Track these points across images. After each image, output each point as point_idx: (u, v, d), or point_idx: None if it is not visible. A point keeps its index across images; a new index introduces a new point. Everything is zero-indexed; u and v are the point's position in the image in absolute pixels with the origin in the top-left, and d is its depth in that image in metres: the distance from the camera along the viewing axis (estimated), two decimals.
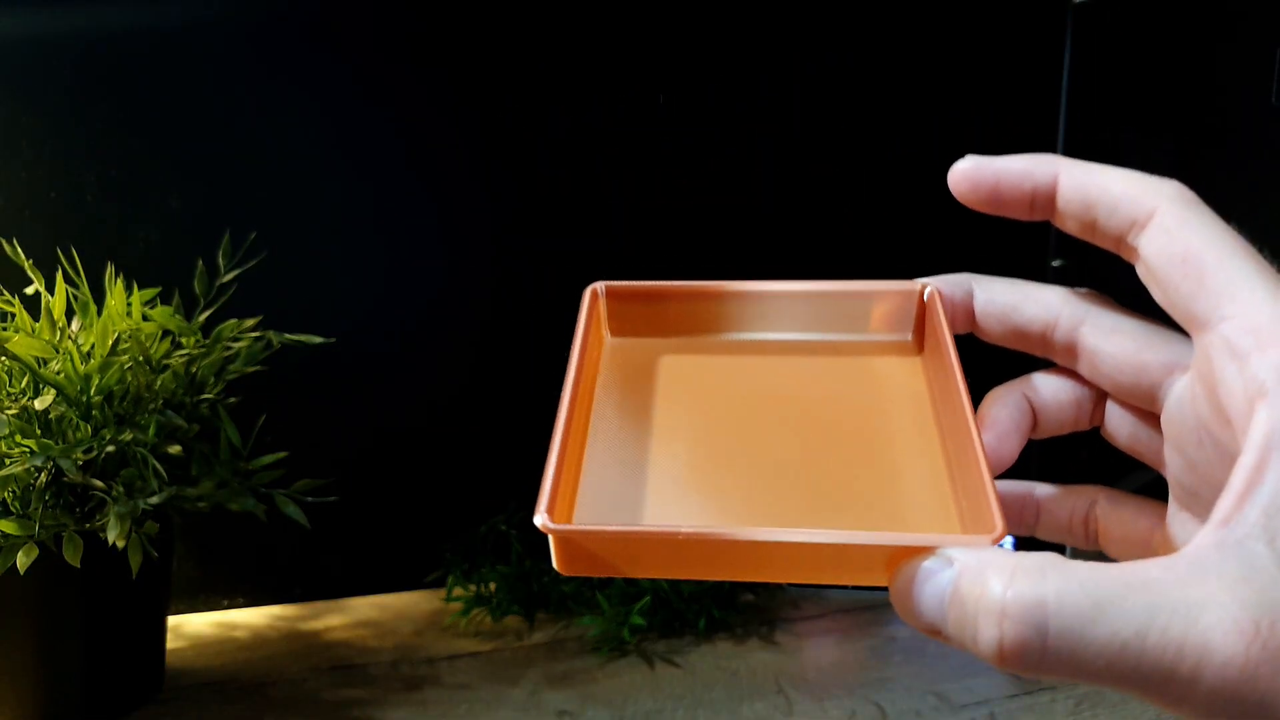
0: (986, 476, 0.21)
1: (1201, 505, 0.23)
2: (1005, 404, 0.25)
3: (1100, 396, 0.26)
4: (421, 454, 0.76)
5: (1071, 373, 0.26)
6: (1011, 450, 0.25)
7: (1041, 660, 0.16)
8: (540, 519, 0.21)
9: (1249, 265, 0.20)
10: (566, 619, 0.71)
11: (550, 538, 0.21)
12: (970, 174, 0.24)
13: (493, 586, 0.71)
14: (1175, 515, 0.24)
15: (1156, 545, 0.25)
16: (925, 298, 0.27)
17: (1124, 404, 0.25)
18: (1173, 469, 0.24)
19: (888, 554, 0.19)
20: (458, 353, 0.76)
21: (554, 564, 0.21)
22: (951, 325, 0.26)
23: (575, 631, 0.69)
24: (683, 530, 0.20)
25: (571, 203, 0.76)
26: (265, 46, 0.68)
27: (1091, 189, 0.23)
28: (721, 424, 0.25)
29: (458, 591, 0.71)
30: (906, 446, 0.24)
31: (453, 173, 0.74)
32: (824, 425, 0.25)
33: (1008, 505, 0.27)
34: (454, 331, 0.76)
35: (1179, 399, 0.23)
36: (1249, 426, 0.19)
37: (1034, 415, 0.26)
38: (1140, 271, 0.23)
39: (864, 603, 0.74)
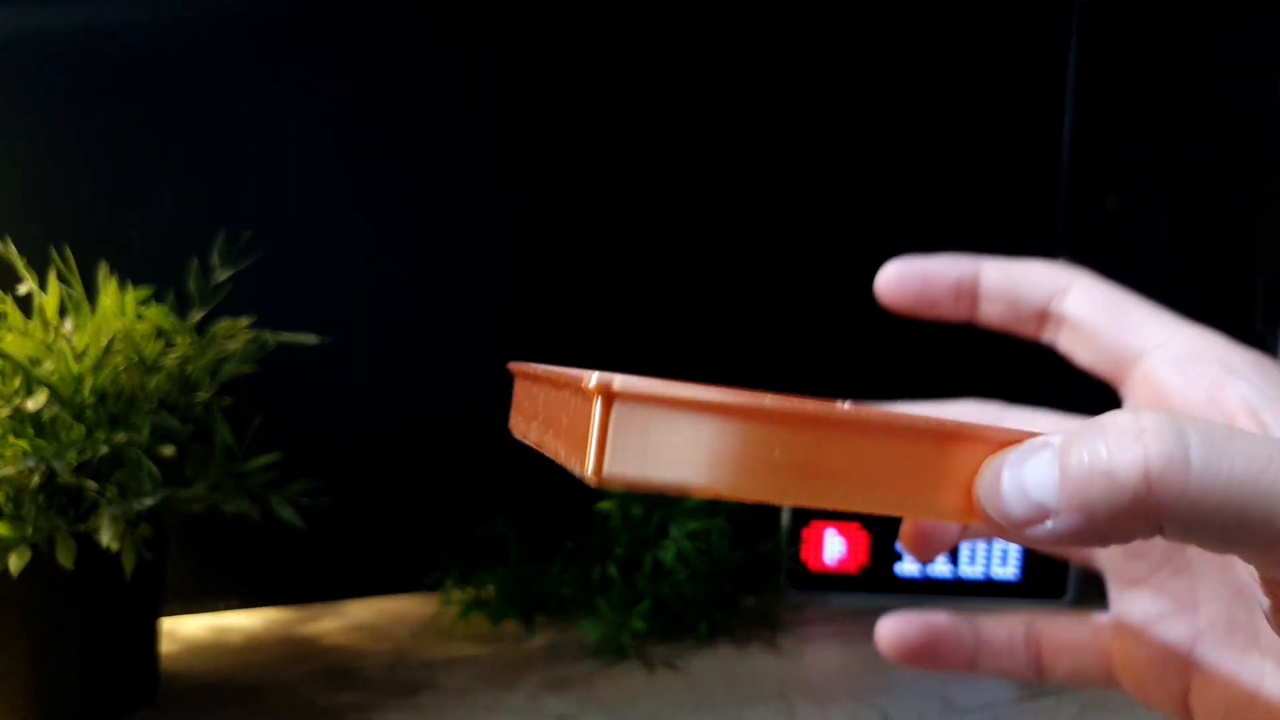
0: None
1: (1150, 565, 0.24)
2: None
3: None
4: (418, 455, 0.76)
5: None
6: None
7: (1187, 478, 0.15)
8: (598, 379, 0.15)
9: (1164, 311, 0.22)
10: (565, 623, 0.70)
11: (599, 406, 0.15)
12: (897, 277, 0.25)
13: (490, 589, 0.71)
14: (1122, 597, 0.24)
15: (1108, 645, 0.25)
16: None
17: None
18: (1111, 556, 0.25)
19: (993, 448, 0.17)
20: (454, 353, 0.76)
21: (589, 464, 0.15)
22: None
23: (574, 635, 0.68)
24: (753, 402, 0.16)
25: (570, 204, 0.76)
26: (260, 47, 0.68)
27: (1013, 271, 0.25)
28: None
29: (455, 594, 0.71)
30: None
31: (449, 174, 0.73)
32: None
33: (944, 638, 0.26)
34: (451, 332, 0.76)
35: None
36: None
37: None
38: (1064, 339, 0.24)
39: (868, 607, 0.74)
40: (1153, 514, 0.15)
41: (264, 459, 0.58)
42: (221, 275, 0.60)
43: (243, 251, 0.61)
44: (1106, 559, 0.25)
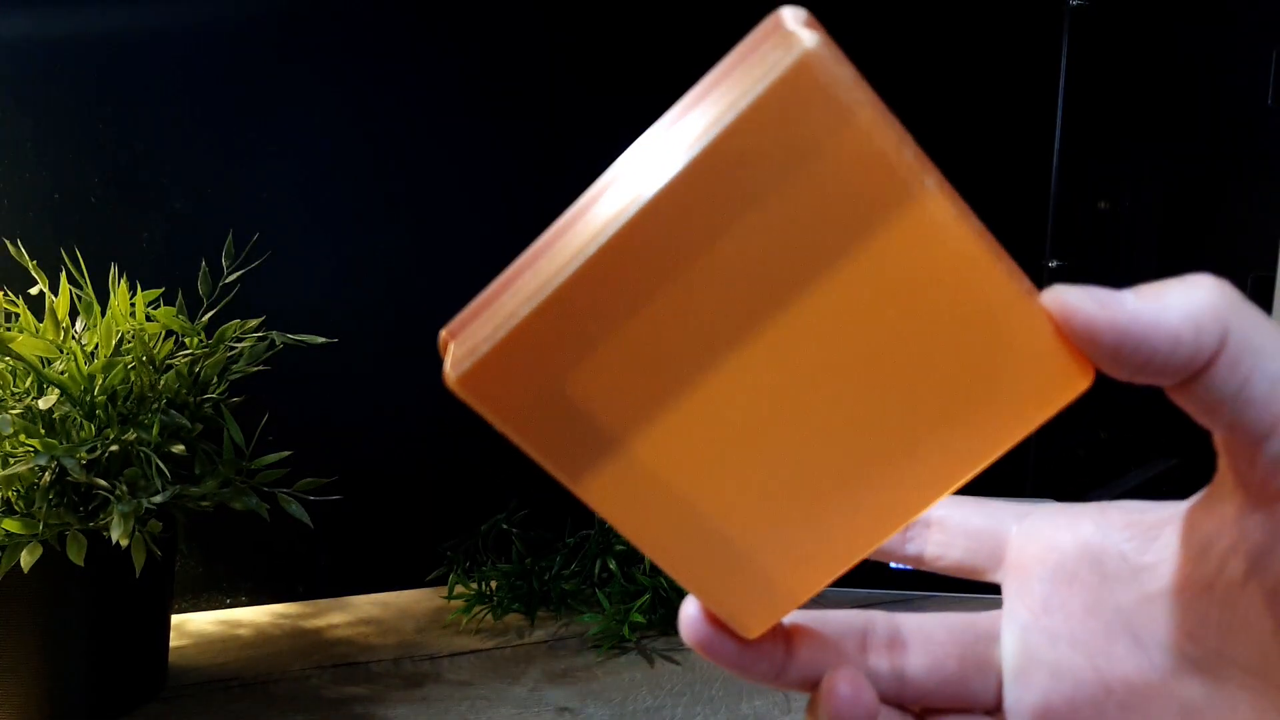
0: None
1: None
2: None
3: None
4: (423, 453, 0.76)
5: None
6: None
7: (1239, 316, 0.17)
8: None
9: None
10: (567, 616, 0.71)
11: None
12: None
13: (494, 585, 0.72)
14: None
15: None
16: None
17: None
18: None
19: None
20: None
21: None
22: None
23: (576, 629, 0.69)
24: None
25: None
26: (271, 48, 0.69)
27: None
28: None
29: (459, 589, 0.72)
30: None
31: (456, 171, 0.74)
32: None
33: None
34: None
35: (1010, 654, 0.23)
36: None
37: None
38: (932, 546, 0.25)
39: (864, 600, 0.74)
40: (1222, 317, 0.17)
41: (272, 457, 0.58)
42: (230, 277, 0.60)
43: (251, 253, 0.61)
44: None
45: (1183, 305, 0.17)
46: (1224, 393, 0.17)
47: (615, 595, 0.69)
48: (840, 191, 0.16)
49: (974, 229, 0.17)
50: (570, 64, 0.75)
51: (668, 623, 0.69)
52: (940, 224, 0.16)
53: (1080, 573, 0.21)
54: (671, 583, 0.69)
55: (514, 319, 0.17)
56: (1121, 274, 0.88)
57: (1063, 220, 0.87)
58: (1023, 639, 0.23)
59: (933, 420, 0.18)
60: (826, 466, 0.18)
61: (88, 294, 0.55)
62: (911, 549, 0.25)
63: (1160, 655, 0.20)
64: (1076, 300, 0.18)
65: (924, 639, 0.24)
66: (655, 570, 0.70)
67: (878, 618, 0.24)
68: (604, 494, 0.19)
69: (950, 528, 0.24)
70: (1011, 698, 0.23)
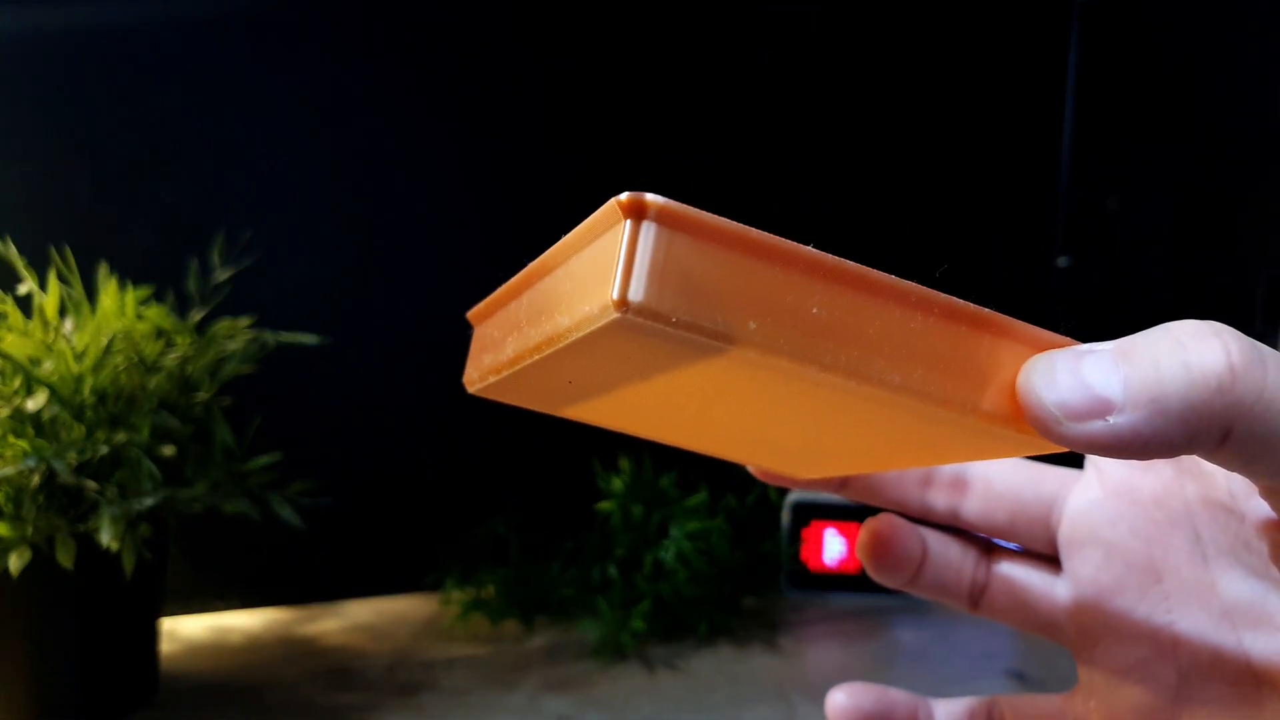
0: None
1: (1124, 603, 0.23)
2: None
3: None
4: (418, 455, 0.76)
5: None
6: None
7: (1264, 378, 0.14)
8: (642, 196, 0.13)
9: None
10: (565, 623, 0.70)
11: (629, 227, 0.13)
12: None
13: (490, 590, 0.71)
14: (1093, 654, 0.24)
15: (1081, 713, 0.24)
16: None
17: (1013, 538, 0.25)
18: (1081, 581, 0.24)
19: (1005, 334, 0.15)
20: (456, 353, 0.76)
21: (614, 288, 0.13)
22: None
23: (574, 636, 0.69)
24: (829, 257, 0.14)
25: (569, 203, 0.76)
26: (262, 44, 0.68)
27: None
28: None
29: (455, 595, 0.71)
30: None
31: (452, 170, 0.74)
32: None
33: (897, 714, 0.26)
34: (452, 331, 0.76)
35: (1085, 504, 0.24)
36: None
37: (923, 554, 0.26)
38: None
39: (868, 607, 0.74)
40: (1228, 412, 0.14)
41: (264, 459, 0.58)
42: (221, 275, 0.60)
43: (242, 251, 0.61)
44: (1072, 611, 0.24)
45: (1180, 409, 0.14)
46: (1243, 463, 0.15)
47: (615, 601, 0.68)
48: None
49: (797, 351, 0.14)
50: (568, 58, 0.75)
51: (668, 630, 0.68)
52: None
53: (1158, 464, 0.22)
54: (673, 589, 0.68)
55: (513, 359, 0.17)
56: (1131, 273, 0.87)
57: (1072, 218, 0.87)
58: (1087, 513, 0.23)
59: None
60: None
61: (77, 292, 0.55)
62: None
63: (1215, 555, 0.21)
64: (1041, 403, 0.15)
65: (984, 487, 0.25)
66: (656, 576, 0.69)
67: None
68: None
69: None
70: (1062, 563, 0.24)
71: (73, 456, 0.50)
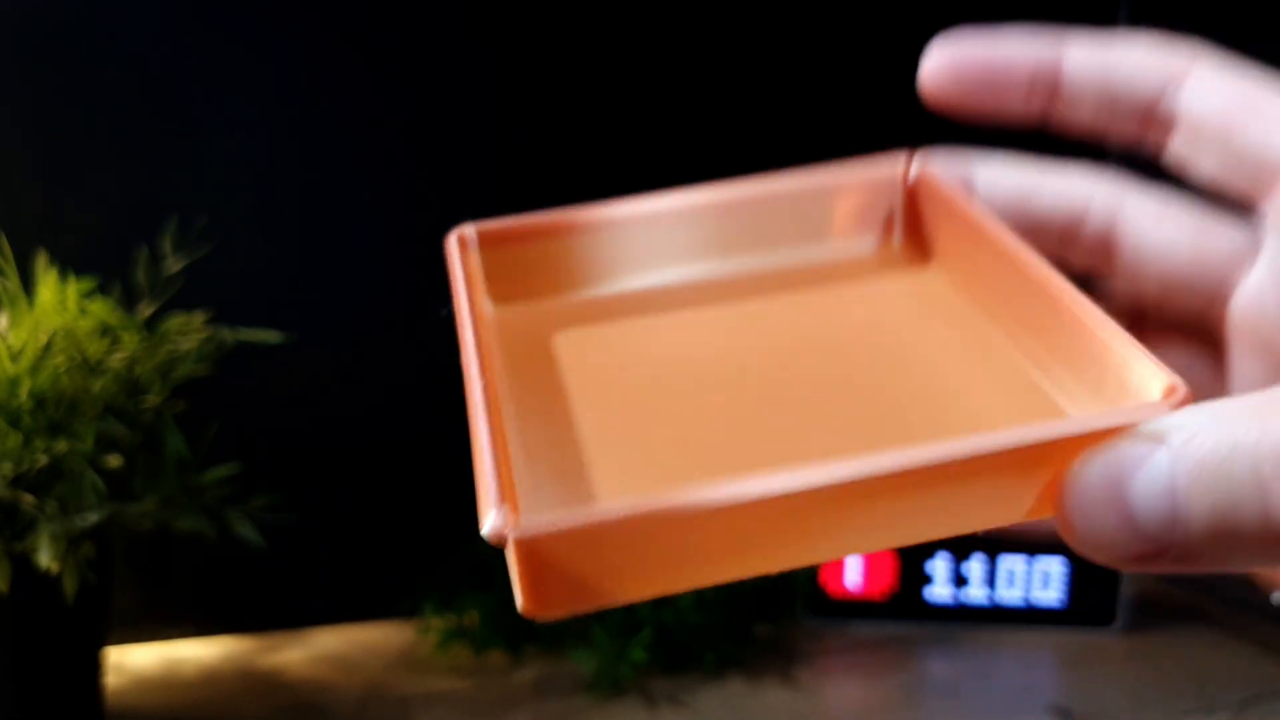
0: (1123, 335, 0.17)
1: None
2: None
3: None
4: (393, 468, 0.76)
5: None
6: None
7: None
8: (493, 522, 0.15)
9: None
10: (557, 653, 0.70)
11: (514, 552, 0.15)
12: (952, 65, 0.22)
13: (473, 616, 0.71)
14: None
15: (1229, 269, 0.22)
16: (911, 180, 0.22)
17: (1169, 316, 0.23)
18: (1245, 383, 0.22)
19: (1050, 454, 0.15)
20: (434, 353, 0.76)
21: (520, 600, 0.15)
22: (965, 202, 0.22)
23: (567, 668, 0.69)
24: (749, 492, 0.15)
25: (549, 188, 0.76)
26: (219, 16, 0.68)
27: (1108, 57, 0.21)
28: (688, 391, 0.21)
29: (434, 622, 0.71)
30: (950, 352, 0.20)
31: (423, 153, 0.74)
32: (819, 365, 0.21)
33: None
34: (429, 329, 0.76)
35: (1257, 289, 0.21)
36: None
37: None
38: (1178, 144, 0.21)
39: (893, 635, 0.74)
40: None
41: (221, 471, 0.58)
42: (173, 265, 0.60)
43: (197, 240, 0.61)
44: (1241, 387, 0.21)
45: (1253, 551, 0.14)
46: None
47: (612, 629, 0.68)
48: None
49: None
50: (539, 45, 0.75)
51: (672, 661, 0.68)
52: None
53: None
54: (675, 616, 0.68)
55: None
56: None
57: None
58: (1260, 305, 0.20)
59: None
60: None
61: (12, 284, 0.55)
62: (1152, 141, 0.21)
63: None
64: (1084, 546, 0.15)
65: (1134, 254, 0.22)
66: (658, 601, 0.69)
67: (1097, 204, 0.22)
68: None
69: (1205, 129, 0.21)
70: (1225, 358, 0.21)
71: (8, 468, 0.50)
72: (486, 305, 0.23)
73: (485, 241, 0.23)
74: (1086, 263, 0.22)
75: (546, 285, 0.23)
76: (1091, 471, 0.15)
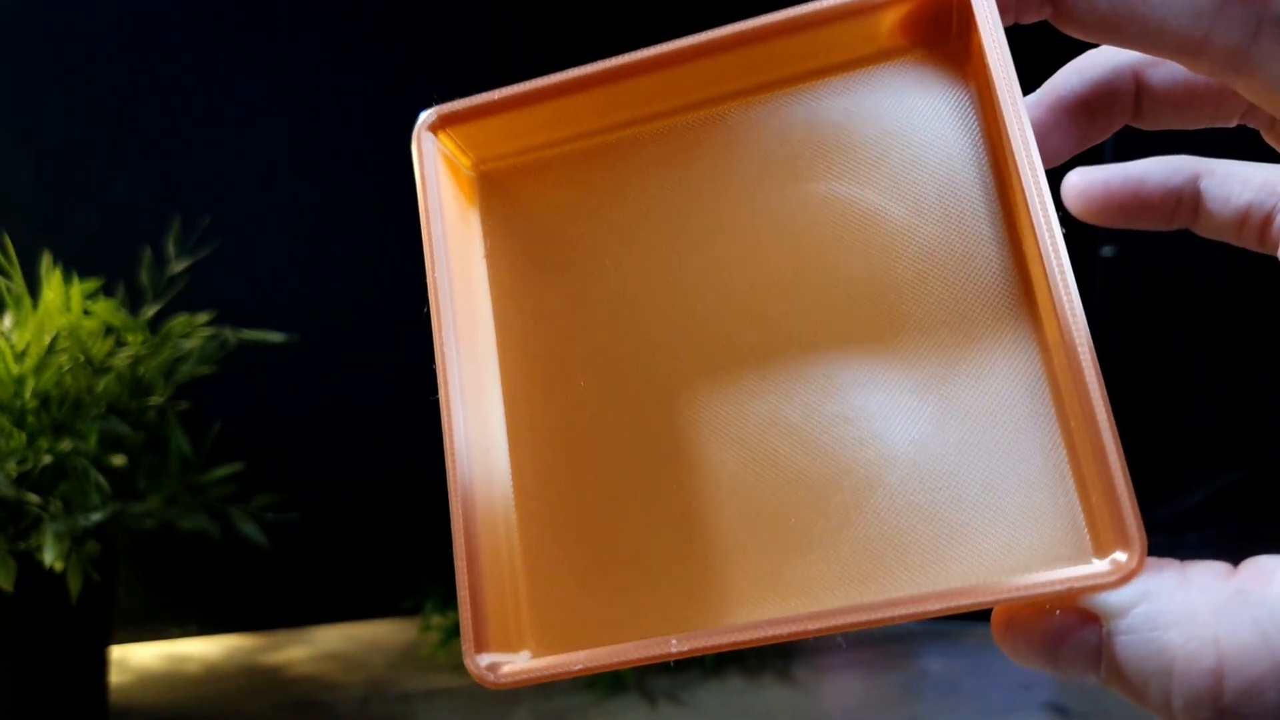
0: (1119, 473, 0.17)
1: None
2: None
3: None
4: (396, 466, 0.76)
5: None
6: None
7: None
8: (473, 670, 0.19)
9: None
10: None
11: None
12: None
13: None
14: None
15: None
16: None
17: None
18: None
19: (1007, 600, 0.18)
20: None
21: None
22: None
23: None
24: (698, 640, 0.19)
25: None
26: (224, 18, 0.69)
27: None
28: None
29: (436, 620, 0.71)
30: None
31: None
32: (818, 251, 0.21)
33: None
34: (429, 329, 0.76)
35: None
36: None
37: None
38: None
39: (892, 633, 0.74)
40: None
41: (224, 470, 0.59)
42: (177, 266, 0.60)
43: (200, 240, 0.61)
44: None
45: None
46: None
47: None
48: None
49: None
50: (550, 48, 0.75)
51: None
52: None
53: None
54: None
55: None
56: (1179, 262, 0.88)
57: None
58: None
59: None
60: None
61: (17, 285, 0.55)
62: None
63: None
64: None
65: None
66: None
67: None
68: None
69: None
70: None
71: (12, 467, 0.51)
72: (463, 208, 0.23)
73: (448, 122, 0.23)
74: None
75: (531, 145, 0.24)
76: (1030, 630, 0.18)
